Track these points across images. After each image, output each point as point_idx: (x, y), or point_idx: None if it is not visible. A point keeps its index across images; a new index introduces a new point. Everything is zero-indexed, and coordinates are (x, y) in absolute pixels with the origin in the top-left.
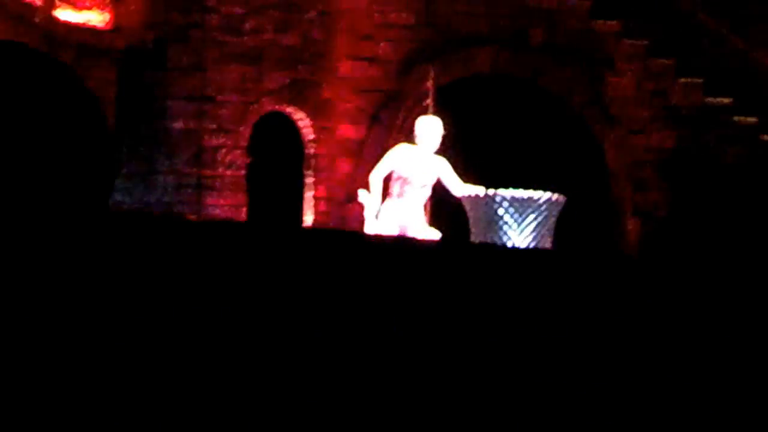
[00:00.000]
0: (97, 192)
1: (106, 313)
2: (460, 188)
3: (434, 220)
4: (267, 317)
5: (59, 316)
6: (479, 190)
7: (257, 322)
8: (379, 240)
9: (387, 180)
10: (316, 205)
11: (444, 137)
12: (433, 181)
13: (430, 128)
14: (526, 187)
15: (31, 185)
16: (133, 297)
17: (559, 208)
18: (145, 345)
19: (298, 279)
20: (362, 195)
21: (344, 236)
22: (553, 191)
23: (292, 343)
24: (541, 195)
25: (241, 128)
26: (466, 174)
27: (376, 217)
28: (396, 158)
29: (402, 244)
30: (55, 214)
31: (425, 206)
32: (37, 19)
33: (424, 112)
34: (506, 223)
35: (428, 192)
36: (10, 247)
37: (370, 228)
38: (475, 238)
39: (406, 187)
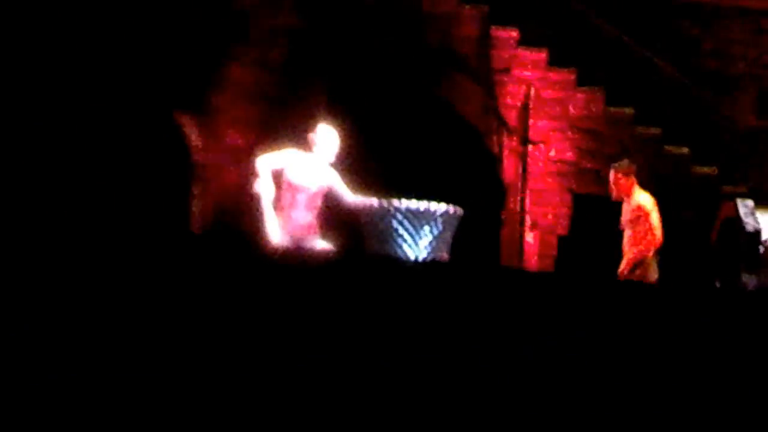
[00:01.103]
0: None
1: None
2: (350, 198)
3: (329, 231)
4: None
5: None
6: (372, 201)
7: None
8: (275, 251)
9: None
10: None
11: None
12: (324, 191)
13: (328, 138)
14: (421, 198)
15: None
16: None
17: (456, 220)
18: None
19: (196, 290)
20: (256, 183)
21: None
22: (449, 202)
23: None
24: (438, 207)
25: None
26: (361, 183)
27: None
28: (287, 160)
29: (299, 255)
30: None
31: (317, 216)
32: None
33: (315, 119)
34: (401, 235)
35: (319, 201)
36: None
37: (271, 224)
38: (370, 249)
39: (297, 196)
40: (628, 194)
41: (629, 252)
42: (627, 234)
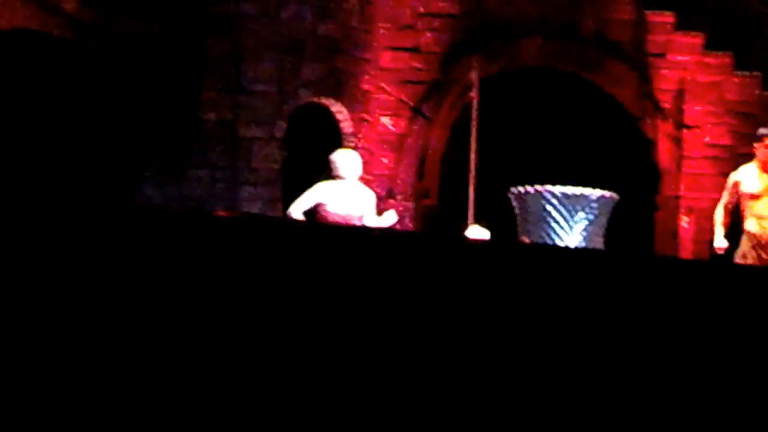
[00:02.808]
0: (123, 186)
1: (125, 315)
2: (371, 221)
3: (480, 219)
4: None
5: (77, 314)
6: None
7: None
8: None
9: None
10: None
11: (490, 131)
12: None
13: (347, 161)
14: (577, 184)
15: (55, 178)
16: (156, 298)
17: (611, 206)
18: (165, 350)
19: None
20: None
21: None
22: (604, 188)
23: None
24: (593, 192)
25: (277, 120)
26: (512, 170)
27: None
28: (321, 196)
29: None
30: (73, 208)
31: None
32: (66, 7)
33: (468, 104)
34: (556, 220)
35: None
36: (29, 240)
37: None
38: (522, 235)
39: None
40: None
41: None
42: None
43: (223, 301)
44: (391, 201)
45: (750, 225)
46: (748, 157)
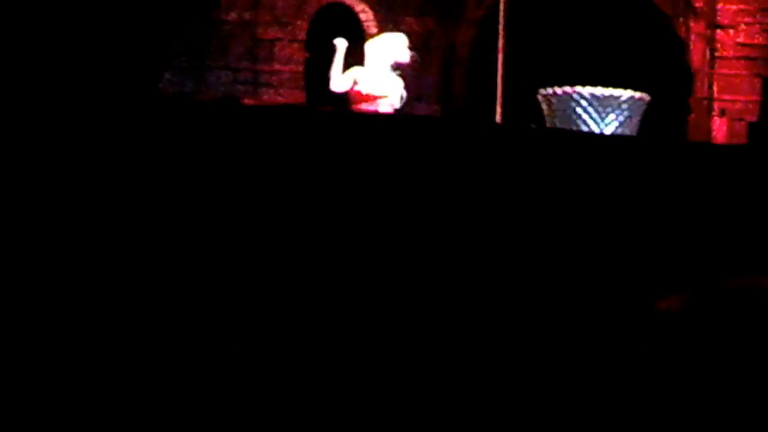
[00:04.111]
0: (142, 86)
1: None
2: None
3: (508, 121)
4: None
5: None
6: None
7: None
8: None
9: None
10: None
11: (518, 30)
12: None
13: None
14: (607, 85)
15: (74, 75)
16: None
17: (643, 107)
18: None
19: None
20: None
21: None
22: (635, 89)
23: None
24: (623, 93)
25: (299, 21)
26: (541, 70)
27: None
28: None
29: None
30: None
31: None
32: None
33: (496, 2)
34: (585, 122)
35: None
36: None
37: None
38: None
39: None
40: None
41: None
42: None
43: (255, 189)
44: (417, 104)
45: None
46: None
